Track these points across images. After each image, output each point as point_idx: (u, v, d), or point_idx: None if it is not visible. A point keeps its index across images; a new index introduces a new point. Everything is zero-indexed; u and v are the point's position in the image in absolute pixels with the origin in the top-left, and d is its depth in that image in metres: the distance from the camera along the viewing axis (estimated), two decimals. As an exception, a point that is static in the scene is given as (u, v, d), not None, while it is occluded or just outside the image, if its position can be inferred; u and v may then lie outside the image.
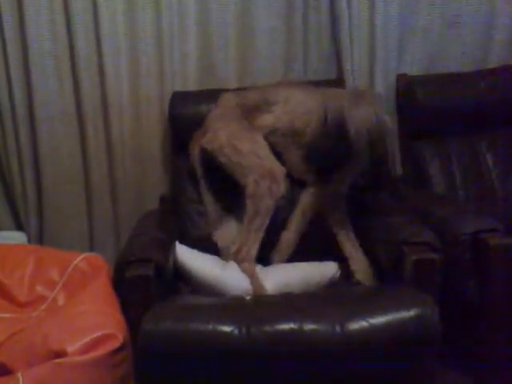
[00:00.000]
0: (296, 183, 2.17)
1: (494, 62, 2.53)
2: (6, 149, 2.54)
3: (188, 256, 1.94)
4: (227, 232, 2.14)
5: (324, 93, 2.13)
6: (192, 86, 2.52)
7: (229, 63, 2.52)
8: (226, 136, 2.11)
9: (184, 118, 2.37)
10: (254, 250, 1.98)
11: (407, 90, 2.47)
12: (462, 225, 1.88)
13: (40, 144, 2.52)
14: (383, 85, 2.53)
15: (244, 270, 1.92)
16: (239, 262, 1.96)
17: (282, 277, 1.98)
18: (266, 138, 2.14)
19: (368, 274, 1.99)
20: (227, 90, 2.34)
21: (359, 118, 1.90)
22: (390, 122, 2.00)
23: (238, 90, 2.31)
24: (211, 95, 2.41)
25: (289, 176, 2.12)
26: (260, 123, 2.15)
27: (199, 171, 2.20)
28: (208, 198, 2.19)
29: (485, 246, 1.80)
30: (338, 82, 2.49)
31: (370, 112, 1.91)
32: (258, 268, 2.00)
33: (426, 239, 1.80)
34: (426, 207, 2.13)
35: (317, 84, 2.30)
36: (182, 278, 1.98)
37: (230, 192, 2.16)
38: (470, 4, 2.49)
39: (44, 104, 2.49)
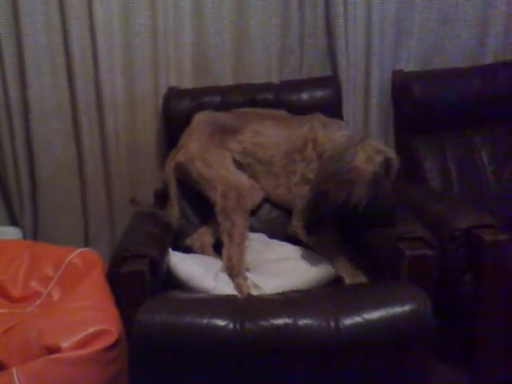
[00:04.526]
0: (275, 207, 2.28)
1: (489, 58, 2.54)
2: (0, 144, 2.53)
3: (181, 268, 1.92)
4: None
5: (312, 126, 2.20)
6: (187, 81, 2.52)
7: (224, 58, 2.51)
8: (197, 149, 2.20)
9: (178, 115, 2.38)
10: (242, 264, 1.99)
11: (403, 86, 2.47)
12: (457, 220, 1.89)
13: (34, 139, 2.50)
14: (379, 81, 2.53)
15: (237, 287, 1.91)
16: (232, 278, 1.95)
17: (278, 285, 1.92)
18: (236, 161, 2.23)
19: (356, 276, 1.95)
20: (219, 88, 2.45)
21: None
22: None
23: (211, 111, 2.35)
24: (205, 92, 2.43)
25: (267, 201, 2.27)
26: (228, 146, 2.24)
27: (173, 186, 2.23)
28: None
29: (480, 242, 1.80)
30: (333, 78, 2.49)
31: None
32: (254, 275, 1.99)
33: (420, 235, 1.80)
34: (422, 203, 2.14)
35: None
36: (175, 285, 1.96)
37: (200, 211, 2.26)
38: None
39: (38, 99, 2.47)
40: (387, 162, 1.92)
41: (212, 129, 2.25)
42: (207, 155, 2.19)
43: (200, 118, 2.29)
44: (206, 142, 2.21)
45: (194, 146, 2.21)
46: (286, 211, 2.24)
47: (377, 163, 1.89)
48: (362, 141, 1.98)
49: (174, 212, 2.20)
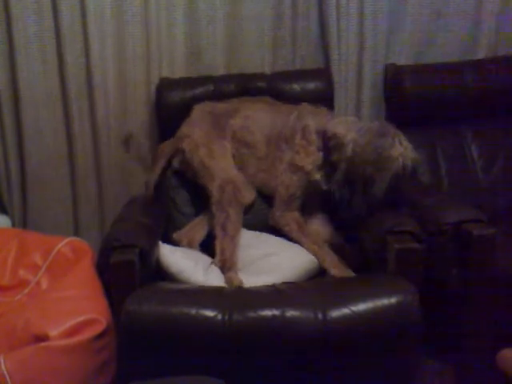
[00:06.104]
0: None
1: (481, 52, 2.54)
2: (-11, 132, 2.51)
3: (171, 260, 1.91)
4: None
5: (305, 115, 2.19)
6: (179, 71, 2.51)
7: (216, 49, 2.50)
8: (201, 137, 2.19)
9: (170, 104, 2.37)
10: (235, 258, 1.97)
11: (395, 80, 2.47)
12: (445, 214, 1.90)
13: (24, 127, 2.48)
14: (371, 74, 2.53)
15: (228, 281, 1.89)
16: (224, 271, 1.94)
17: (265, 283, 1.88)
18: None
19: (341, 267, 1.96)
20: (211, 77, 2.43)
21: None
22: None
23: (209, 102, 2.34)
24: (198, 82, 2.42)
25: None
26: (226, 134, 2.24)
27: (161, 162, 2.24)
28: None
29: (468, 236, 1.81)
30: (325, 70, 2.49)
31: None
32: (244, 273, 1.96)
33: (409, 229, 1.81)
34: (411, 196, 2.14)
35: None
36: (165, 278, 1.94)
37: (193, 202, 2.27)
38: (459, -6, 2.49)
39: (28, 86, 2.45)
40: (414, 163, 1.98)
41: (212, 118, 2.24)
42: (211, 144, 2.18)
43: (200, 109, 2.29)
44: (209, 131, 2.21)
45: (197, 134, 2.20)
46: (265, 197, 2.23)
47: (408, 161, 1.94)
48: (397, 133, 2.00)
49: (152, 176, 2.22)
